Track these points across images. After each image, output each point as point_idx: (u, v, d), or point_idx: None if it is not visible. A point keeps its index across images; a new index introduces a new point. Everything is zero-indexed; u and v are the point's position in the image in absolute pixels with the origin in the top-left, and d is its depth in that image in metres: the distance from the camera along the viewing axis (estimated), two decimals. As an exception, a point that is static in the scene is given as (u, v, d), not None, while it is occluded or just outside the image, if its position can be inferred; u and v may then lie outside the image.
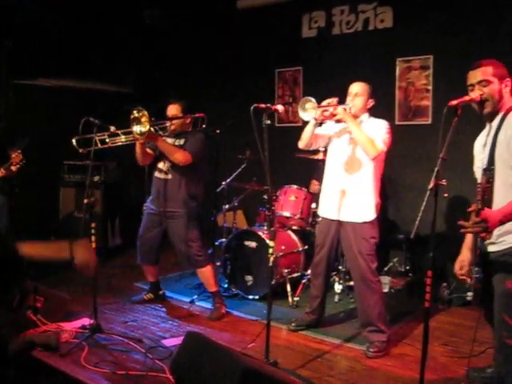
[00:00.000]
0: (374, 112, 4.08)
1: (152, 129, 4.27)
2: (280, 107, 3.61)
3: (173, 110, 4.63)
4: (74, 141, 4.25)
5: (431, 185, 2.65)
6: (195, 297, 5.05)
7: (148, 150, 4.59)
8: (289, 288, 4.99)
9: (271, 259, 3.49)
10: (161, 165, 4.63)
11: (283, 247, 5.14)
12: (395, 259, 5.64)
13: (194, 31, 7.45)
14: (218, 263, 5.31)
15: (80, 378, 3.41)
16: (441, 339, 4.17)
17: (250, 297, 5.05)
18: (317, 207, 4.53)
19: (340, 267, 5.13)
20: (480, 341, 3.59)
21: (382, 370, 3.66)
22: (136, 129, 4.16)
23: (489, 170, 2.74)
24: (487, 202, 2.67)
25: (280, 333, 4.28)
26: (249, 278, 5.08)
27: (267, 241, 4.87)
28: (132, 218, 7.06)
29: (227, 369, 2.65)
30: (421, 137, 5.67)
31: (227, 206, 5.52)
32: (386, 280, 5.22)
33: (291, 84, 6.81)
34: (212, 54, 7.35)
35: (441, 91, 5.51)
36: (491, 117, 2.86)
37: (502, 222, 2.52)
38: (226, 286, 5.20)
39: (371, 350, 3.86)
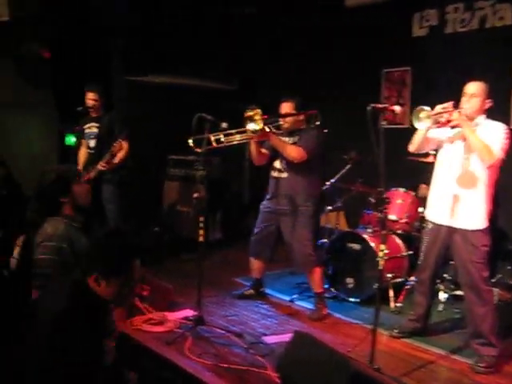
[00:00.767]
0: (492, 115, 3.88)
1: (266, 127, 4.30)
2: (397, 108, 3.54)
3: (286, 107, 4.62)
4: (190, 141, 4.33)
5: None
6: (295, 296, 5.05)
7: (263, 150, 4.64)
8: (391, 293, 4.87)
9: (381, 263, 3.41)
10: (276, 163, 4.66)
11: (387, 251, 5.01)
12: (505, 270, 5.35)
13: (302, 29, 7.42)
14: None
15: (185, 368, 3.51)
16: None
17: (351, 299, 4.97)
18: (424, 212, 4.38)
19: (445, 275, 4.93)
20: None
21: (492, 387, 3.48)
22: (250, 127, 4.20)
23: None
24: None
25: (381, 338, 4.14)
26: (350, 280, 5.00)
27: (372, 243, 4.78)
28: (232, 213, 7.21)
29: (335, 370, 2.62)
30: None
31: (330, 207, 5.46)
32: (494, 292, 4.94)
33: (399, 85, 6.63)
34: (318, 52, 7.30)
35: None
36: None
37: None
38: (326, 286, 5.14)
39: (480, 364, 3.67)
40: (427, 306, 4.16)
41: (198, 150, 4.27)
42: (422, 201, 5.08)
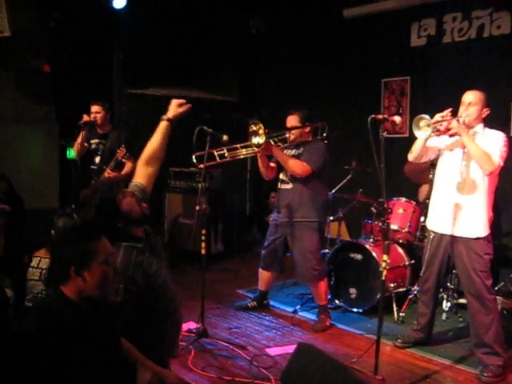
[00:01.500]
0: (491, 124, 3.88)
1: (271, 141, 4.30)
2: (397, 118, 3.52)
3: (292, 120, 4.60)
4: (194, 157, 4.34)
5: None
6: (298, 307, 5.03)
7: (271, 164, 4.65)
8: (394, 303, 4.85)
9: (384, 273, 3.41)
10: (282, 175, 4.67)
11: (389, 261, 5.00)
12: (507, 278, 5.33)
13: (300, 41, 7.47)
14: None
15: (188, 381, 3.49)
16: None
17: (354, 310, 4.95)
18: (425, 221, 4.38)
19: (448, 284, 4.92)
20: None
21: (498, 397, 3.46)
22: (254, 141, 4.21)
23: None
24: None
25: (385, 348, 4.14)
26: (353, 290, 4.99)
27: (374, 253, 4.77)
28: (234, 225, 7.20)
29: (339, 382, 2.61)
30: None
31: (331, 217, 5.45)
32: (498, 300, 4.94)
33: (398, 94, 6.65)
34: (317, 63, 7.33)
35: None
36: None
37: None
38: (329, 297, 5.13)
39: (485, 374, 3.65)
40: (431, 316, 4.14)
41: (201, 166, 4.27)
42: (424, 207, 5.04)
